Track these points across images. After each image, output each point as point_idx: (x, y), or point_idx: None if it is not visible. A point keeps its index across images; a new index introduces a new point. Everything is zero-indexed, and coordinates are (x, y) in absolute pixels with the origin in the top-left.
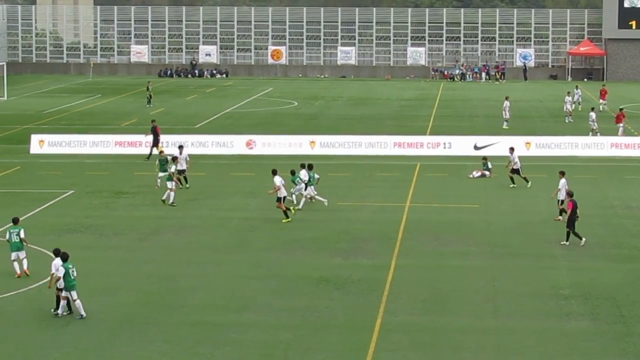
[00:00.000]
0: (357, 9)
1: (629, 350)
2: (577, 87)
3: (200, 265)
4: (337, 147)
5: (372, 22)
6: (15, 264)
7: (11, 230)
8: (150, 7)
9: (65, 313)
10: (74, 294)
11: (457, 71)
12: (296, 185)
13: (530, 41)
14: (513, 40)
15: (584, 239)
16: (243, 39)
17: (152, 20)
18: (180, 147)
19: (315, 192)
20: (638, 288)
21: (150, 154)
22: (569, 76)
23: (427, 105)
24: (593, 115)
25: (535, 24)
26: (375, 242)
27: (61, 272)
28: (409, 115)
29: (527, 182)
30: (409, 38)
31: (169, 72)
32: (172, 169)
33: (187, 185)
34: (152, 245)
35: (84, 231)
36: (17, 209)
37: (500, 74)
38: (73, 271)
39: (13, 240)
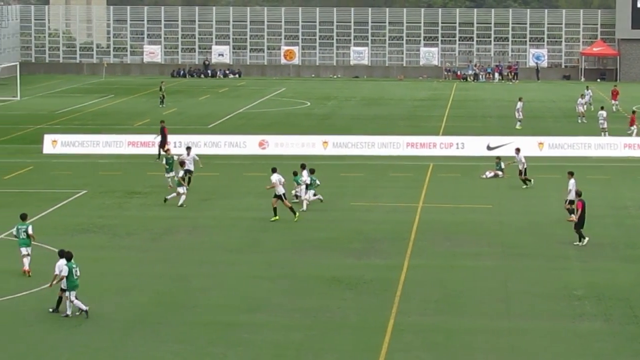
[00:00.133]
0: (370, 9)
1: None
2: (587, 88)
3: (212, 265)
4: (349, 148)
5: (384, 22)
6: (25, 260)
7: (19, 227)
8: (163, 7)
9: (77, 313)
10: (72, 295)
11: (471, 71)
12: (299, 184)
13: (543, 41)
14: (526, 41)
15: (586, 239)
16: (256, 39)
17: (165, 21)
18: (188, 148)
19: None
20: None
21: (159, 154)
22: (582, 77)
23: (440, 106)
24: (604, 113)
25: (548, 24)
26: (387, 242)
27: (65, 272)
28: (422, 115)
29: (526, 183)
30: (421, 38)
31: (181, 72)
32: (180, 173)
33: (188, 187)
34: (165, 245)
35: (96, 231)
36: (30, 208)
37: (513, 74)
38: (76, 271)
39: (21, 237)
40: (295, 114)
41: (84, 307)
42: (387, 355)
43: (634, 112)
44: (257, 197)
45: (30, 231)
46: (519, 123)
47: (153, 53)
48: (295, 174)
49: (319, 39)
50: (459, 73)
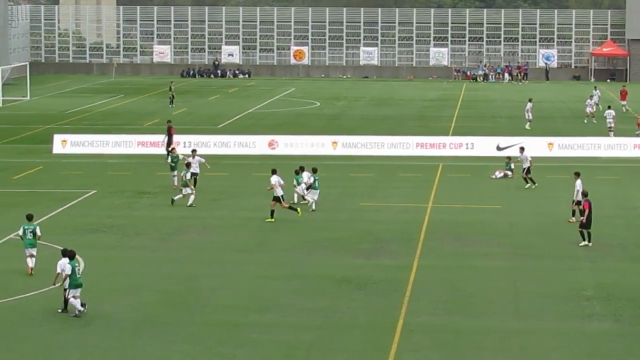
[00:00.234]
0: (379, 9)
1: None
2: (595, 88)
3: (222, 265)
4: (359, 148)
5: (394, 23)
6: (29, 260)
7: (25, 227)
8: (173, 7)
9: (85, 310)
10: (72, 292)
11: (481, 72)
12: (299, 184)
13: (553, 42)
14: (536, 41)
15: (585, 243)
16: (266, 39)
17: (174, 21)
18: (194, 151)
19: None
20: None
21: (168, 153)
22: (592, 77)
23: (450, 106)
24: (613, 112)
25: (558, 24)
26: (397, 242)
27: (68, 270)
28: (432, 115)
29: (527, 182)
30: (431, 38)
31: (191, 72)
32: (188, 175)
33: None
34: (174, 245)
35: (106, 231)
36: (39, 208)
37: (522, 74)
38: (79, 269)
39: (27, 237)
40: (304, 114)
41: (80, 307)
42: (397, 355)
43: None
44: (267, 197)
45: (38, 232)
46: (528, 123)
47: (163, 53)
48: (297, 172)
49: (329, 39)
50: (468, 73)
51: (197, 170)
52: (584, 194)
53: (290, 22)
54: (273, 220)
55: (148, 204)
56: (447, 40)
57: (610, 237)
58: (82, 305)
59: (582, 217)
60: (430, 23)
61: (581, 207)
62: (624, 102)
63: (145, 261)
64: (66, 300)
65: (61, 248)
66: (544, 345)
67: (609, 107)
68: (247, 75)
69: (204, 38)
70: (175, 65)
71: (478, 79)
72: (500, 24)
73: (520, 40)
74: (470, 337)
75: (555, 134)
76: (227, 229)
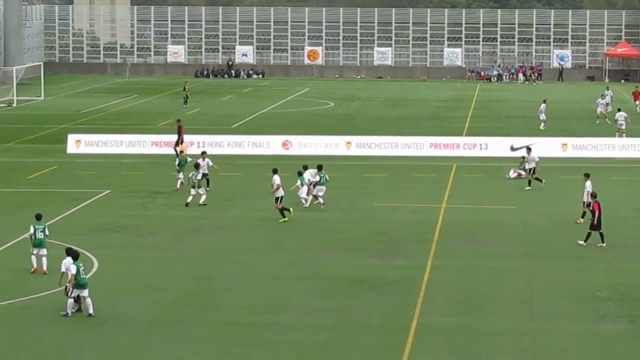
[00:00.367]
0: (393, 9)
1: None
2: (607, 89)
3: (236, 265)
4: (373, 148)
5: (408, 23)
6: (33, 258)
7: (36, 227)
8: (187, 8)
9: (74, 310)
10: (75, 292)
11: (495, 72)
12: (302, 185)
13: (567, 42)
14: (550, 42)
15: (586, 243)
16: (279, 39)
17: (188, 21)
18: (203, 152)
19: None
20: None
21: (176, 153)
22: (606, 77)
23: (464, 106)
24: (624, 114)
25: (572, 25)
26: (411, 243)
27: (73, 270)
28: (446, 116)
29: (537, 180)
30: (445, 39)
31: (205, 72)
32: (199, 176)
33: (208, 188)
34: (188, 245)
35: (120, 231)
36: (53, 208)
37: (537, 75)
38: (83, 270)
39: (37, 237)
40: (318, 115)
41: (70, 311)
42: (410, 355)
43: None
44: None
45: (47, 231)
46: (543, 124)
47: (177, 53)
48: (300, 173)
49: (343, 40)
50: (482, 74)
51: (207, 171)
52: (593, 195)
53: (304, 22)
54: (286, 219)
55: (162, 203)
56: (461, 41)
57: (625, 238)
58: (68, 306)
59: (591, 218)
60: (444, 23)
61: (590, 208)
62: (638, 103)
63: (159, 261)
64: (78, 300)
65: (78, 249)
66: (558, 345)
67: (619, 110)
68: (261, 76)
69: (218, 38)
70: (189, 65)
71: (492, 79)
72: (514, 24)
73: (534, 40)
74: (484, 338)
75: (570, 135)
76: (241, 229)
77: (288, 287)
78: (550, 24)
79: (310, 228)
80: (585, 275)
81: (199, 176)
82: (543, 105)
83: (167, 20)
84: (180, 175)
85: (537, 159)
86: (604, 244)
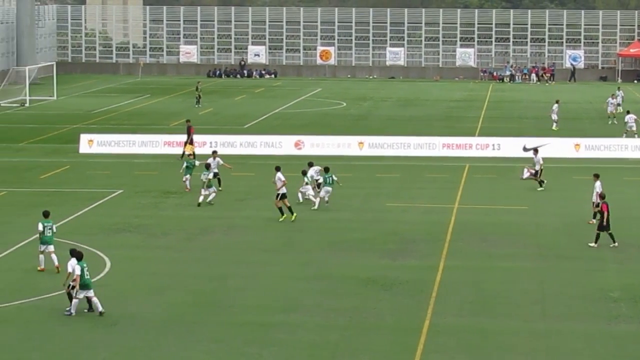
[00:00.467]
0: (406, 9)
1: None
2: (619, 89)
3: (248, 265)
4: (385, 148)
5: (421, 23)
6: (42, 257)
7: (45, 224)
8: (200, 8)
9: (85, 311)
10: (81, 294)
11: (508, 72)
12: (307, 184)
13: (580, 42)
14: (562, 42)
15: (597, 244)
16: (292, 39)
17: (201, 21)
18: (214, 152)
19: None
20: None
21: (193, 154)
22: (619, 78)
23: (476, 107)
24: (634, 116)
25: (585, 25)
26: (423, 243)
27: (78, 271)
28: (458, 116)
29: (541, 185)
30: (458, 39)
31: (217, 72)
32: (210, 175)
33: (220, 188)
34: (200, 245)
35: (132, 231)
36: (66, 208)
37: (549, 75)
38: (87, 270)
39: (46, 234)
40: (331, 115)
41: (73, 310)
42: (423, 356)
43: None
44: (292, 197)
45: (54, 228)
46: (555, 124)
47: (189, 53)
48: (304, 173)
49: (355, 40)
50: (495, 74)
51: (217, 171)
52: (602, 196)
53: (317, 22)
54: (295, 215)
55: (174, 203)
56: (474, 41)
57: (638, 239)
58: (73, 306)
59: (599, 219)
60: (456, 23)
61: (599, 209)
62: None
63: (171, 261)
64: (88, 300)
65: (91, 248)
66: (571, 346)
67: (628, 112)
68: (273, 76)
69: (231, 38)
70: (202, 65)
71: (504, 79)
72: (527, 24)
73: (546, 41)
74: (496, 338)
75: (582, 135)
76: (253, 229)
77: (300, 287)
78: (562, 24)
79: (322, 228)
80: (598, 276)
81: (210, 175)
82: (555, 106)
83: (179, 20)
84: (187, 177)
85: (542, 162)
86: (616, 244)
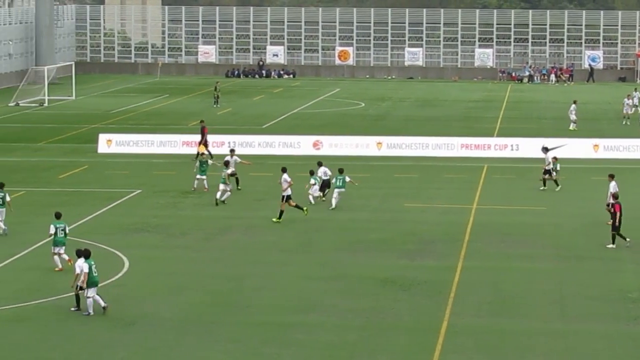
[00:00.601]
0: (424, 10)
1: None
2: (636, 90)
3: (266, 265)
4: (404, 149)
5: (439, 23)
6: (57, 258)
7: (57, 225)
8: (218, 8)
9: (72, 308)
10: (91, 292)
11: (526, 73)
12: (315, 183)
13: (599, 43)
14: (581, 42)
15: (615, 245)
16: (310, 39)
17: (219, 21)
18: (232, 150)
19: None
20: None
21: (209, 153)
22: (638, 78)
23: (495, 107)
24: None
25: (604, 25)
26: (441, 243)
27: (86, 269)
28: (476, 116)
29: (558, 185)
30: (476, 39)
31: (236, 72)
32: (229, 171)
33: (239, 187)
34: (219, 245)
35: (151, 230)
36: (84, 207)
37: (568, 76)
38: (95, 268)
39: (59, 235)
40: (349, 115)
41: (90, 309)
42: (441, 356)
43: None
44: (301, 198)
45: (67, 230)
46: (573, 124)
47: (208, 53)
48: (312, 173)
49: (374, 40)
50: (513, 74)
51: (235, 170)
52: (615, 197)
53: (335, 22)
54: (280, 220)
55: (193, 203)
56: (492, 41)
57: None
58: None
59: (612, 220)
60: (475, 24)
61: (611, 209)
62: None
63: (189, 261)
64: (78, 299)
65: (110, 248)
66: (589, 347)
67: None
68: (291, 76)
69: (249, 38)
70: (220, 65)
71: (523, 80)
72: (546, 25)
73: (565, 41)
74: (514, 339)
75: (601, 136)
76: (271, 229)
77: (318, 287)
78: (581, 25)
79: (340, 228)
80: (616, 277)
81: (229, 171)
82: (573, 106)
83: (198, 20)
84: (202, 177)
85: (550, 160)
86: (628, 239)
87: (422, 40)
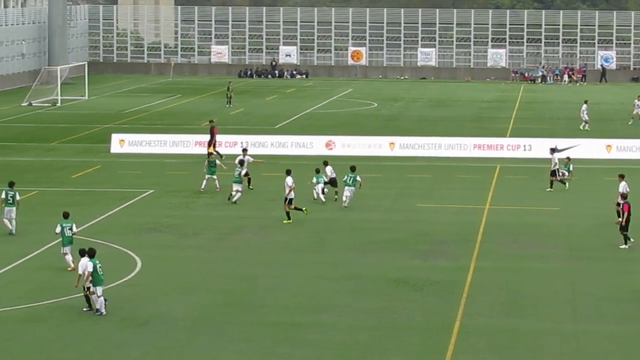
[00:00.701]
0: (437, 10)
1: None
2: None
3: (278, 265)
4: (416, 149)
5: (452, 24)
6: (68, 257)
7: (64, 225)
8: (231, 8)
9: (85, 309)
10: (99, 290)
11: (539, 73)
12: (318, 182)
13: (612, 43)
14: (594, 43)
15: (627, 246)
16: (323, 39)
17: (232, 21)
18: (244, 150)
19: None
20: None
21: (219, 153)
22: None
23: (507, 108)
24: None
25: (617, 26)
26: (454, 244)
27: (90, 268)
28: (489, 117)
29: (565, 184)
30: (489, 40)
31: (249, 72)
32: (243, 172)
33: (251, 187)
34: (231, 245)
35: (163, 230)
36: (97, 207)
37: (581, 76)
38: (100, 267)
39: (66, 235)
40: (362, 115)
41: (103, 309)
42: (453, 357)
43: None
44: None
45: (74, 229)
46: (585, 124)
47: (220, 53)
48: (317, 171)
49: (386, 40)
50: (526, 75)
51: (247, 170)
52: (623, 196)
53: (348, 22)
54: (291, 221)
55: (205, 203)
56: (505, 42)
57: None
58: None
59: (620, 219)
60: (488, 24)
61: (620, 208)
62: None
63: (202, 261)
64: (88, 299)
65: (123, 248)
66: (602, 347)
67: None
68: (304, 76)
69: (262, 38)
70: (233, 65)
71: (536, 80)
72: (559, 25)
73: (578, 41)
74: (527, 339)
75: (614, 136)
76: (283, 229)
77: (330, 287)
78: (594, 25)
79: (353, 228)
80: (629, 277)
81: (243, 171)
82: (584, 106)
83: (210, 21)
84: (212, 177)
85: (557, 160)
86: (626, 246)
87: (435, 41)
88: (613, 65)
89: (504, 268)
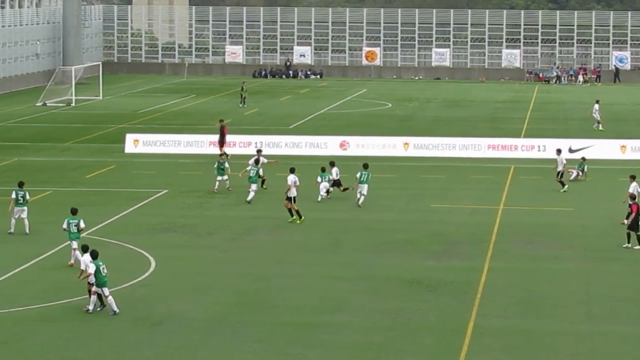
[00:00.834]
0: (451, 10)
1: None
2: None
3: (293, 265)
4: (430, 149)
5: (466, 24)
6: (78, 253)
7: (70, 221)
8: (245, 8)
9: (98, 309)
10: (106, 291)
11: (554, 73)
12: (323, 181)
13: (627, 44)
14: (609, 43)
15: (630, 245)
16: (337, 40)
17: (247, 21)
18: (259, 151)
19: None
20: None
21: (225, 153)
22: None
23: (522, 108)
24: None
25: (631, 26)
26: (468, 244)
27: (92, 269)
28: (503, 117)
29: (563, 186)
30: (504, 40)
31: (263, 72)
32: (261, 172)
33: (265, 187)
34: (245, 245)
35: (177, 230)
36: (111, 207)
37: (595, 77)
38: (103, 268)
39: (71, 231)
40: (376, 115)
41: (115, 309)
42: (467, 357)
43: None
44: (337, 199)
45: (82, 225)
46: (597, 125)
47: (235, 53)
48: (323, 169)
49: (401, 40)
50: (541, 75)
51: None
52: (632, 197)
53: (363, 23)
54: (295, 218)
55: (219, 203)
56: (520, 42)
57: None
58: (91, 302)
59: (627, 219)
60: (502, 24)
61: (629, 209)
62: None
63: (216, 261)
64: (100, 296)
65: (137, 248)
66: (617, 348)
67: None
68: (318, 76)
69: (276, 39)
70: (247, 65)
71: (551, 81)
72: (573, 25)
73: (593, 42)
74: (541, 340)
75: (628, 137)
76: (297, 229)
77: (344, 287)
78: (609, 26)
79: (367, 229)
80: None
81: (261, 172)
82: (596, 106)
83: (225, 21)
84: (224, 178)
85: (565, 162)
86: (629, 245)
87: (449, 41)
88: (628, 66)
89: (518, 269)
